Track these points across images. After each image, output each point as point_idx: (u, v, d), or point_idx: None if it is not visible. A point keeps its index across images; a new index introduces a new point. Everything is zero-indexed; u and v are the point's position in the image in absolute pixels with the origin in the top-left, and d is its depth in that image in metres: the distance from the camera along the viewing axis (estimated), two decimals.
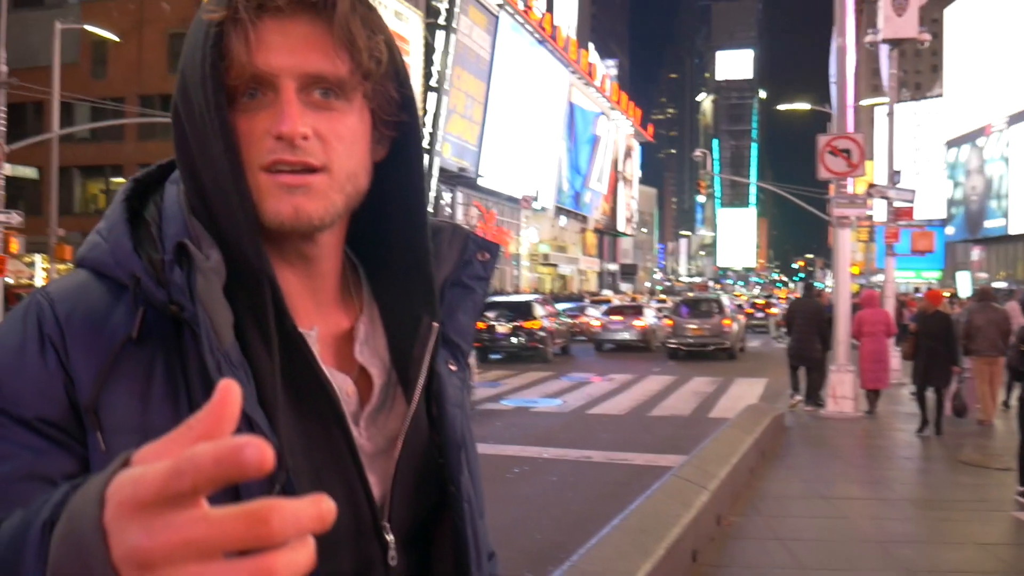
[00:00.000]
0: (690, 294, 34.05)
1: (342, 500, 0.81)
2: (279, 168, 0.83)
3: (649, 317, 27.40)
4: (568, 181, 63.18)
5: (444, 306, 0.98)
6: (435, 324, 0.95)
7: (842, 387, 12.16)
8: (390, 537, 0.89)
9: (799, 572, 5.33)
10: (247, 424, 0.78)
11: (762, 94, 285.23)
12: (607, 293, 55.85)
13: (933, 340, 10.63)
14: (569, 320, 27.38)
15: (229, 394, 0.51)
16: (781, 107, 41.49)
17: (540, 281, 60.11)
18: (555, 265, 62.65)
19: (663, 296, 57.23)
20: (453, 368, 0.98)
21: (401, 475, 0.91)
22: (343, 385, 0.90)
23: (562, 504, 7.65)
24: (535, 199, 45.39)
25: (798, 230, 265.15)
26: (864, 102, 44.70)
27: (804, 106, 39.23)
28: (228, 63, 0.83)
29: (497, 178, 48.98)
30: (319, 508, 0.50)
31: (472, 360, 11.29)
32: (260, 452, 0.48)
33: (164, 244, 0.84)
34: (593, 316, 29.21)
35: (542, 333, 22.34)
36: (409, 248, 0.95)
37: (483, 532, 1.00)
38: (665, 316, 27.76)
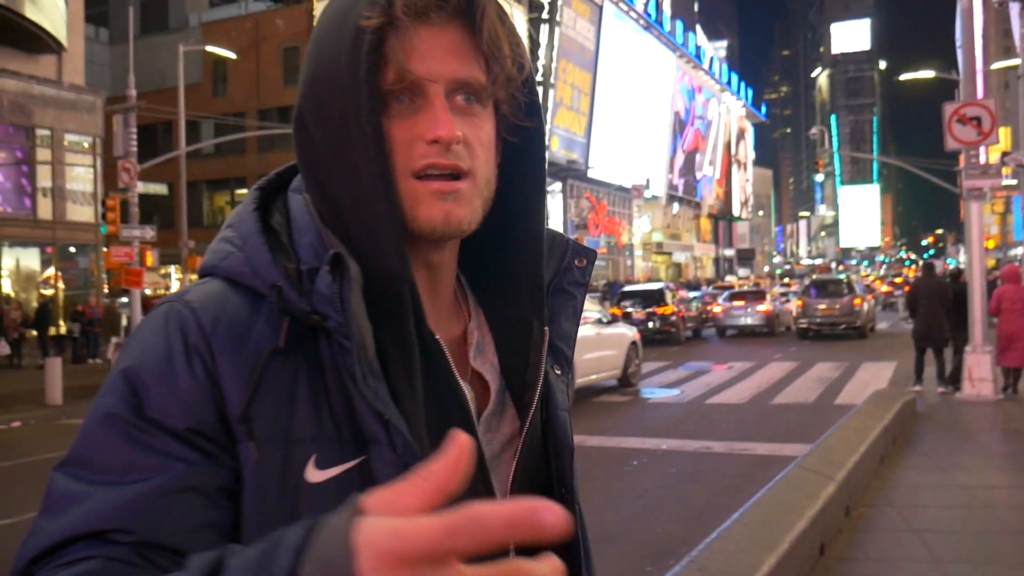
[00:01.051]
0: (815, 276, 33.54)
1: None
2: (429, 174, 0.83)
3: (771, 302, 27.48)
4: (679, 168, 62.13)
5: (547, 312, 0.98)
6: (546, 329, 0.96)
7: (979, 369, 11.50)
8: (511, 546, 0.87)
9: (934, 566, 5.07)
10: (384, 428, 0.79)
11: (882, 65, 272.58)
12: (730, 279, 54.91)
13: None
14: (700, 305, 28.36)
15: (464, 448, 0.52)
16: (903, 77, 39.49)
17: (654, 270, 59.39)
18: (669, 253, 61.78)
19: (787, 280, 55.94)
20: (558, 373, 0.99)
21: (519, 478, 0.92)
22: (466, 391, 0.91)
23: (682, 497, 7.53)
24: (646, 187, 44.79)
25: (926, 205, 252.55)
26: (995, 66, 42.10)
27: (928, 74, 37.21)
28: (384, 69, 0.82)
29: (607, 168, 48.61)
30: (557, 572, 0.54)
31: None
32: (558, 517, 0.49)
33: (298, 254, 0.85)
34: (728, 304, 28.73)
35: (673, 318, 24.23)
36: (523, 254, 0.96)
37: (587, 535, 1.02)
38: (786, 302, 28.99)
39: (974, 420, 10.26)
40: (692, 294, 31.04)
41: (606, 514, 6.79)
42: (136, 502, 0.76)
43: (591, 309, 15.22)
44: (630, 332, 15.81)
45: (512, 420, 0.95)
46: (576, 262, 1.02)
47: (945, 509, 6.37)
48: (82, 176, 25.69)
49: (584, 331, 14.22)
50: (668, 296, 24.96)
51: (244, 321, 0.82)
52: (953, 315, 12.79)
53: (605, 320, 15.34)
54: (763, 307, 26.58)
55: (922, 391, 12.34)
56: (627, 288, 28.10)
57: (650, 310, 23.84)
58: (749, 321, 26.51)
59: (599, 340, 14.29)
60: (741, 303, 26.95)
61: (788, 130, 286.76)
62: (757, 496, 5.21)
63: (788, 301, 29.88)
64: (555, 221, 44.65)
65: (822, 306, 24.20)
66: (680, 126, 61.89)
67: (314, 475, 0.80)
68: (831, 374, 15.79)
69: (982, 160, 12.89)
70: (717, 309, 27.81)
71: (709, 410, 12.51)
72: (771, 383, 14.93)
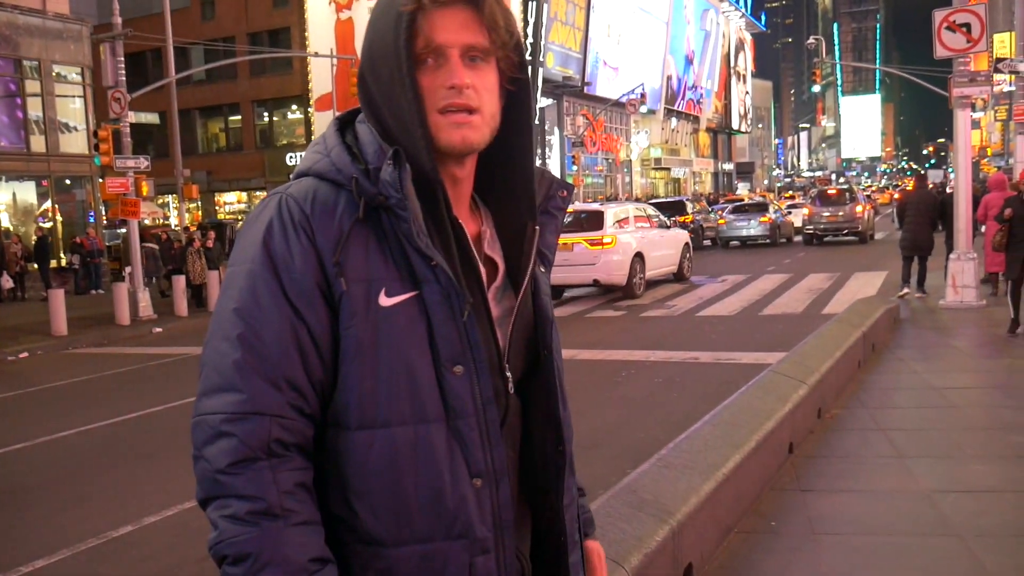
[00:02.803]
0: (824, 188, 34.39)
1: (482, 343, 1.23)
2: (449, 109, 1.20)
3: (773, 213, 28.94)
4: (677, 81, 61.24)
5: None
6: (537, 227, 1.33)
7: (963, 276, 11.73)
8: (509, 374, 1.28)
9: (897, 460, 5.38)
10: (431, 271, 1.18)
11: None
12: (742, 192, 55.04)
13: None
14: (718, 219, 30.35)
15: None
16: None
17: (653, 186, 59.18)
18: (668, 169, 61.41)
19: (791, 193, 56.28)
20: (542, 270, 1.39)
21: (515, 334, 1.30)
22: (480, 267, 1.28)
23: (667, 404, 7.85)
24: (642, 102, 44.30)
25: (928, 114, 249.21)
26: None
27: None
28: (416, 39, 1.19)
29: (604, 84, 48.00)
30: None
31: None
32: None
33: (366, 158, 1.22)
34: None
35: (693, 225, 26.95)
36: (521, 174, 1.33)
37: (564, 386, 1.39)
38: (788, 214, 30.78)
39: (955, 326, 10.54)
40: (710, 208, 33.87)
41: (594, 421, 7.11)
42: (283, 352, 1.15)
43: (656, 217, 18.38)
44: (684, 235, 19.01)
45: (511, 296, 1.31)
46: (560, 192, 1.38)
47: (915, 409, 6.68)
48: (73, 107, 25.53)
49: (651, 234, 17.22)
50: (689, 207, 29.46)
51: (332, 203, 1.20)
52: (942, 225, 13.06)
53: (667, 225, 18.46)
54: (765, 218, 27.93)
55: (907, 296, 12.70)
56: (654, 200, 32.41)
57: (673, 219, 24.28)
58: (752, 232, 27.91)
59: (662, 241, 17.41)
60: (744, 214, 28.43)
61: (789, 39, 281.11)
62: (729, 400, 5.49)
63: (790, 213, 31.37)
64: (552, 139, 44.32)
65: (827, 213, 26.32)
66: (676, 40, 60.81)
67: (385, 301, 1.18)
68: (822, 285, 16.03)
69: (973, 68, 12.82)
70: (720, 220, 28.85)
71: (700, 322, 12.79)
72: (762, 295, 15.19)
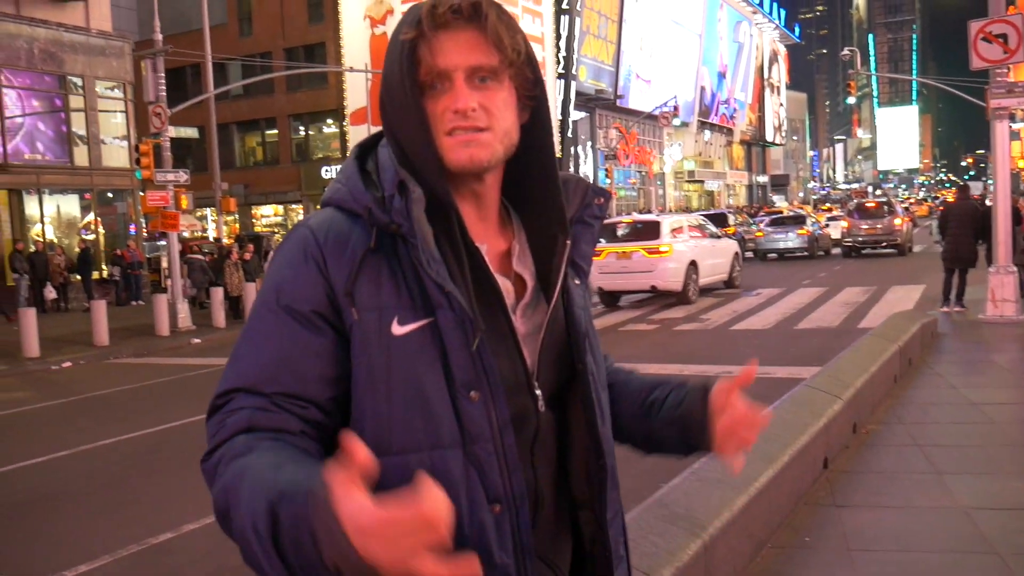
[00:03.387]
0: (858, 200, 34.45)
1: (506, 364, 1.23)
2: (455, 132, 1.21)
3: (811, 225, 28.88)
4: (710, 94, 61.03)
5: (571, 237, 1.35)
6: (568, 241, 1.33)
7: (1002, 289, 11.57)
8: (539, 392, 1.28)
9: (934, 476, 5.32)
10: (445, 297, 1.18)
11: None
12: (781, 204, 54.81)
13: None
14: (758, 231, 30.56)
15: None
16: None
17: (686, 199, 58.95)
18: (701, 181, 61.18)
19: (828, 205, 56.06)
20: (577, 282, 1.38)
21: (545, 350, 1.29)
22: (505, 285, 1.28)
23: None
24: (675, 115, 44.23)
25: (967, 125, 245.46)
26: None
27: None
28: (420, 67, 1.22)
29: (636, 97, 48.01)
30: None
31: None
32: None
33: (383, 185, 1.23)
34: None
35: (735, 237, 26.27)
36: (547, 187, 1.33)
37: (606, 400, 1.39)
38: (826, 226, 30.89)
39: (994, 340, 10.39)
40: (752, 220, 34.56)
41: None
42: (271, 362, 1.19)
43: (709, 227, 19.51)
44: (734, 245, 20.12)
45: (542, 310, 1.31)
46: (596, 200, 1.38)
47: (952, 425, 6.60)
48: (115, 122, 26.06)
49: (703, 243, 18.19)
50: (731, 219, 30.06)
51: (346, 232, 1.22)
52: (983, 237, 12.89)
53: (718, 236, 19.62)
54: (803, 230, 28.00)
55: (951, 311, 12.53)
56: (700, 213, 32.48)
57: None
58: (790, 244, 28.00)
59: (713, 251, 18.43)
60: (781, 226, 28.55)
61: (824, 51, 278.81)
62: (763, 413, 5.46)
63: (828, 226, 31.33)
64: (585, 151, 44.37)
65: (865, 226, 26.49)
66: (709, 52, 60.65)
67: (398, 329, 1.19)
68: (858, 298, 15.87)
69: (1010, 78, 12.66)
70: (757, 232, 28.62)
71: (733, 336, 12.73)
72: (797, 308, 15.07)
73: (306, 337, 1.19)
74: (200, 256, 21.25)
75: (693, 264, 16.97)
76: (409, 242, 1.19)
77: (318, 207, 1.33)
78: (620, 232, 17.43)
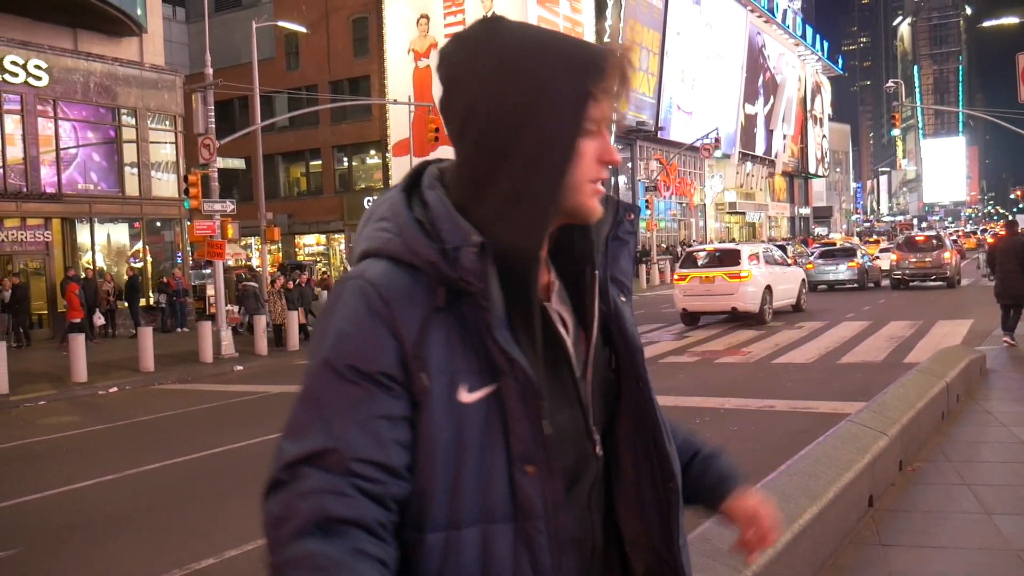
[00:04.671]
0: (908, 233, 34.61)
1: (567, 416, 1.19)
2: (599, 181, 1.20)
3: (860, 258, 28.94)
4: (752, 125, 60.83)
5: (609, 256, 1.31)
6: (596, 273, 1.28)
7: None
8: (596, 436, 1.25)
9: (983, 517, 5.20)
10: (509, 364, 1.12)
11: (967, 11, 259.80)
12: (834, 236, 54.76)
13: None
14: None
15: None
16: (987, 24, 37.98)
17: (727, 231, 58.58)
18: (743, 213, 60.79)
19: (874, 237, 55.86)
20: (623, 300, 1.34)
21: (596, 387, 1.26)
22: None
23: (741, 453, 7.72)
24: (716, 147, 44.13)
25: (1016, 157, 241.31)
26: None
27: (1013, 20, 35.65)
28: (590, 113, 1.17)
29: (677, 129, 48.02)
30: None
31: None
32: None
33: (441, 235, 1.14)
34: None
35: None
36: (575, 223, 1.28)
37: (664, 418, 1.34)
38: (876, 258, 31.18)
39: None
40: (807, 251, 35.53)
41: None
42: (345, 427, 1.09)
43: (777, 256, 21.14)
44: (801, 272, 22.15)
45: (584, 345, 1.26)
46: (628, 216, 1.33)
47: (1002, 464, 6.44)
48: (165, 153, 26.72)
49: (775, 270, 20.11)
50: (789, 250, 32.29)
51: (410, 289, 1.12)
52: None
53: (788, 264, 21.63)
54: (853, 263, 28.19)
55: (1015, 345, 12.27)
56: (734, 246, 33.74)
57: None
58: (840, 277, 28.10)
59: (783, 277, 20.24)
60: (832, 259, 28.78)
61: (868, 82, 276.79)
62: (806, 449, 5.39)
63: (878, 258, 31.52)
64: (624, 182, 44.40)
65: (914, 259, 26.77)
66: (752, 84, 60.54)
67: (465, 397, 1.12)
68: (904, 333, 15.60)
69: None
70: (808, 265, 28.63)
71: (776, 369, 12.58)
72: (841, 342, 14.86)
73: (382, 400, 1.10)
74: (254, 284, 21.56)
75: (768, 288, 18.81)
76: (476, 303, 1.12)
77: (357, 255, 1.22)
78: (701, 260, 19.72)
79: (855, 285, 28.02)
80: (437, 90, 1.21)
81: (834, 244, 36.06)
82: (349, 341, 1.11)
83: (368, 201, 39.86)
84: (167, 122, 26.57)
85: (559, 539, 1.14)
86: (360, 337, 1.11)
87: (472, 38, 1.18)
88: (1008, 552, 4.61)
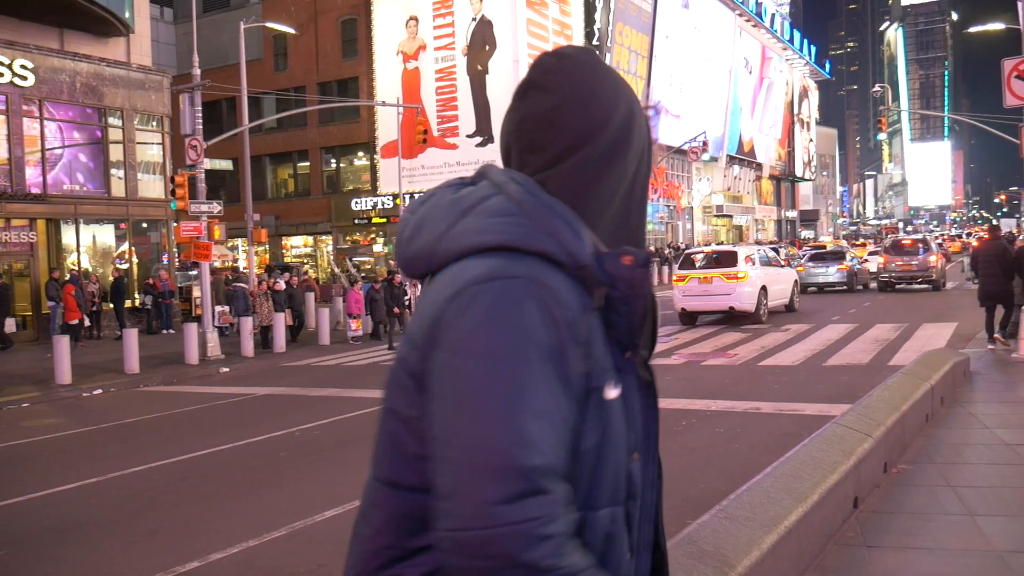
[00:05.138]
0: (894, 237, 35.20)
1: (655, 452, 1.29)
2: None
3: (849, 260, 29.76)
4: (739, 129, 61.09)
5: None
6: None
7: None
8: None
9: (966, 519, 5.23)
10: (629, 364, 1.21)
11: (954, 16, 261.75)
12: (824, 240, 55.24)
13: None
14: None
15: None
16: (972, 29, 38.23)
17: (715, 233, 58.76)
18: (730, 216, 60.97)
19: (862, 241, 56.43)
20: None
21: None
22: None
23: (727, 454, 7.76)
24: (704, 150, 44.27)
25: (1000, 161, 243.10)
26: None
27: (998, 26, 35.91)
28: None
29: (665, 132, 48.16)
30: None
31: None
32: None
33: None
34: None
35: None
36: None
37: None
38: (865, 261, 32.03)
39: None
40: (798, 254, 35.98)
41: None
42: (555, 436, 1.07)
43: (772, 257, 21.85)
44: (793, 273, 22.98)
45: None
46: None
47: (986, 466, 6.49)
48: (151, 154, 26.59)
49: (769, 271, 20.65)
50: (782, 252, 32.31)
51: (567, 288, 1.12)
52: (1012, 276, 12.87)
53: (782, 265, 22.34)
54: (843, 265, 28.99)
55: (996, 349, 12.45)
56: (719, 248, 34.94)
57: None
58: (830, 279, 28.85)
59: (777, 278, 20.81)
60: (822, 261, 29.60)
61: (855, 87, 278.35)
62: (791, 451, 5.42)
63: (867, 261, 32.38)
64: None
65: (900, 262, 27.40)
66: (739, 88, 60.80)
67: (610, 393, 1.17)
68: (889, 335, 15.69)
69: None
70: (798, 267, 29.19)
71: (761, 372, 12.62)
72: (827, 345, 14.93)
73: (565, 405, 1.09)
74: (244, 285, 21.50)
75: (764, 289, 19.54)
76: (614, 306, 1.17)
77: (471, 248, 1.17)
78: (699, 261, 20.37)
79: (844, 287, 28.65)
80: (536, 102, 1.23)
81: (824, 247, 36.56)
82: (542, 343, 1.07)
83: (355, 203, 39.83)
84: (154, 123, 26.44)
85: (644, 514, 1.26)
86: (552, 339, 1.08)
87: (583, 62, 1.25)
88: (990, 553, 4.64)
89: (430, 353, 1.12)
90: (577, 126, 1.21)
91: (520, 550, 1.02)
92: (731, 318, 19.72)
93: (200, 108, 19.29)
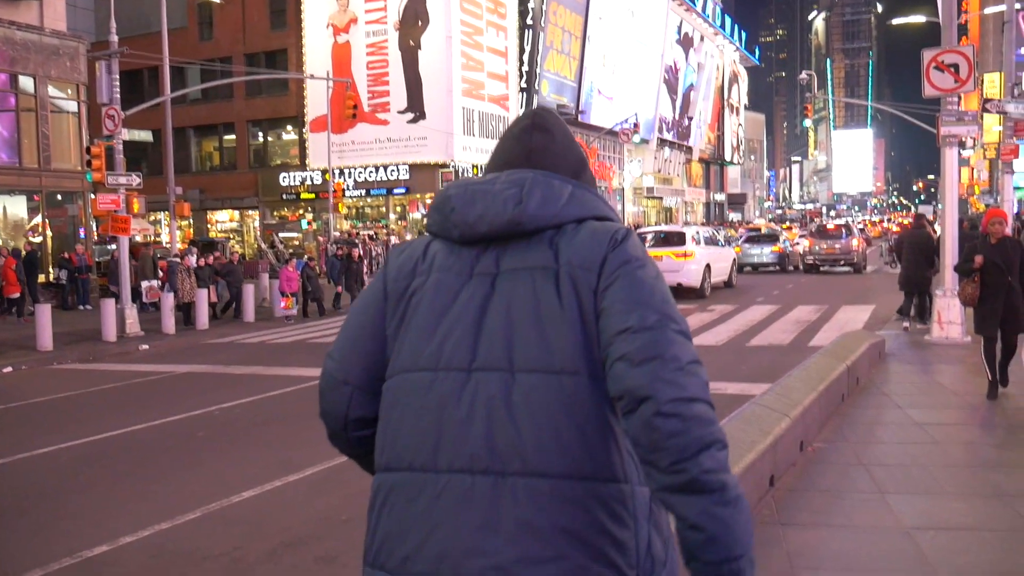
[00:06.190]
0: (821, 222, 36.57)
1: None
2: None
3: (783, 243, 31.51)
4: (669, 112, 61.74)
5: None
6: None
7: (949, 312, 11.80)
8: None
9: (876, 496, 5.37)
10: None
11: (878, 8, 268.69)
12: (759, 222, 56.57)
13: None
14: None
15: None
16: (896, 21, 39.26)
17: (644, 215, 59.42)
18: (660, 198, 61.73)
19: (787, 225, 57.96)
20: None
21: None
22: None
23: None
24: (635, 132, 44.61)
25: (919, 151, 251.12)
26: (988, 10, 41.80)
27: (920, 19, 36.94)
28: None
29: (598, 113, 48.34)
30: None
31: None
32: None
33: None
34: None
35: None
36: None
37: None
38: (797, 243, 33.13)
39: (939, 361, 10.58)
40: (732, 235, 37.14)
41: None
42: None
43: (716, 236, 24.08)
44: (732, 252, 24.71)
45: None
46: None
47: (897, 445, 6.68)
48: (67, 123, 25.54)
49: (713, 250, 22.33)
50: (721, 234, 32.49)
51: None
52: (932, 263, 13.38)
53: (721, 243, 24.05)
54: (776, 247, 30.79)
55: (909, 328, 12.96)
56: (652, 228, 35.85)
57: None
58: (764, 260, 30.49)
59: (719, 256, 22.56)
60: (757, 243, 31.29)
61: (783, 74, 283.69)
62: None
63: (798, 243, 33.63)
64: None
65: (825, 246, 28.90)
66: (671, 73, 61.40)
67: None
68: (810, 317, 16.08)
69: (960, 107, 12.96)
70: (736, 248, 30.03)
71: None
72: (750, 326, 15.22)
73: None
74: (177, 259, 20.84)
75: (708, 267, 20.97)
76: None
77: (587, 214, 1.62)
78: (649, 240, 21.33)
79: (777, 268, 30.32)
80: (541, 139, 1.70)
81: (759, 230, 37.96)
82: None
83: (283, 177, 39.05)
84: (69, 91, 25.38)
85: None
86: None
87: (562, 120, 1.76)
88: (899, 530, 4.77)
89: (614, 270, 1.48)
90: (577, 154, 1.71)
91: (701, 448, 1.38)
92: (675, 293, 20.08)
93: (118, 76, 18.56)
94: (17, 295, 20.10)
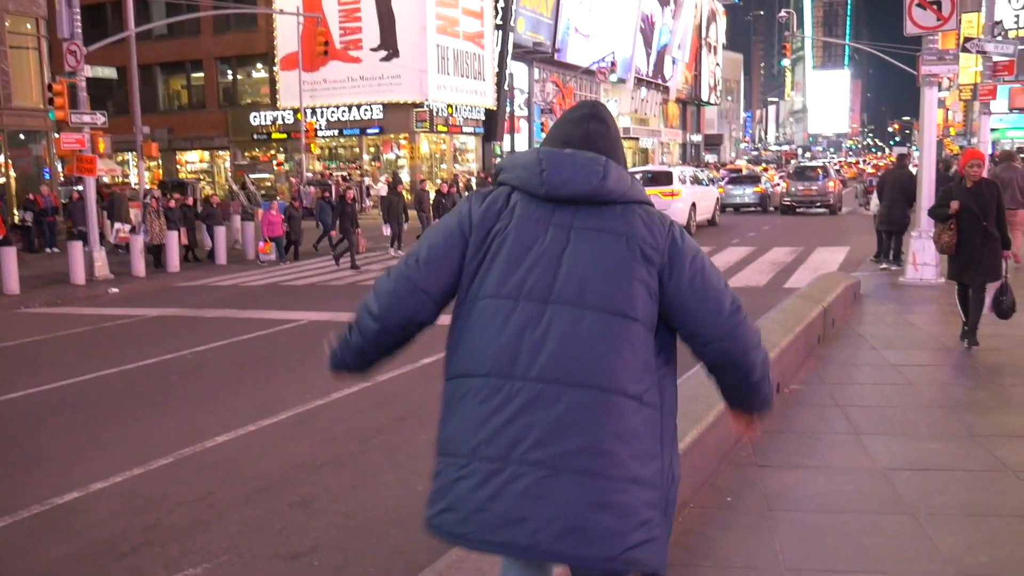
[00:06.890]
0: (798, 162, 37.27)
1: None
2: None
3: (764, 184, 32.71)
4: (646, 50, 60.97)
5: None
6: None
7: (923, 253, 11.83)
8: None
9: (852, 437, 5.39)
10: None
11: None
12: (740, 163, 56.64)
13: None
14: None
15: None
16: None
17: None
18: (636, 139, 61.31)
19: (764, 166, 58.21)
20: None
21: None
22: None
23: None
24: (612, 71, 44.03)
25: (894, 91, 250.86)
26: None
27: None
28: None
29: (574, 51, 47.62)
30: None
31: None
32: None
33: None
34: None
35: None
36: None
37: None
38: (777, 185, 34.27)
39: (914, 302, 10.63)
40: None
41: None
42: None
43: (700, 175, 25.35)
44: (716, 191, 26.26)
45: None
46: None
47: (872, 386, 6.71)
48: (27, 59, 24.73)
49: (698, 189, 23.28)
50: (704, 175, 33.86)
51: None
52: (912, 203, 13.37)
53: (705, 183, 25.29)
54: (758, 188, 31.94)
55: (888, 268, 13.03)
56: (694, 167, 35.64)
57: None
58: (746, 200, 31.47)
59: (705, 195, 23.73)
60: (739, 184, 32.33)
61: (761, 12, 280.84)
62: (687, 373, 5.42)
63: (778, 184, 34.65)
64: (521, 105, 43.97)
65: (802, 187, 29.55)
66: (647, 23, 60.47)
67: None
68: (785, 259, 16.11)
69: (940, 46, 12.81)
70: (719, 188, 30.83)
71: None
72: (725, 267, 15.22)
73: None
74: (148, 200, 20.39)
75: (693, 206, 21.79)
76: None
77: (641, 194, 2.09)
78: (638, 179, 21.68)
79: (759, 208, 31.07)
80: (597, 127, 2.06)
81: (740, 171, 38.82)
82: None
83: (254, 116, 38.28)
84: (28, 25, 24.51)
85: None
86: None
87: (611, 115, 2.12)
88: (874, 471, 4.79)
89: (676, 249, 1.98)
90: (622, 147, 2.08)
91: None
92: None
93: (79, 10, 17.88)
94: (2, 236, 19.44)
